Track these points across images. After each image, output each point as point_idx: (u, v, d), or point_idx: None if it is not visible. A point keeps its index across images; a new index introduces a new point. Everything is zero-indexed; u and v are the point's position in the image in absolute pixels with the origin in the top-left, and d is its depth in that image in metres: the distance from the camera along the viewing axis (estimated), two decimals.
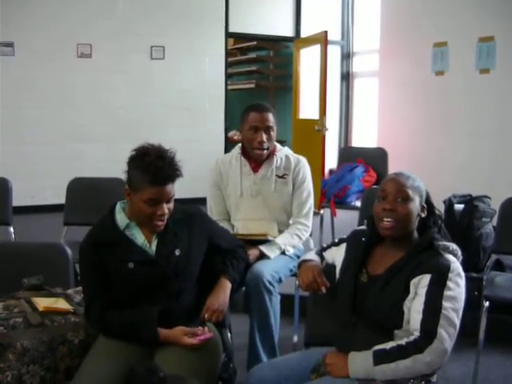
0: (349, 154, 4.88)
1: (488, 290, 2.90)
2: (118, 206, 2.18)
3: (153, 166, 1.98)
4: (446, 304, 1.78)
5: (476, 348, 2.89)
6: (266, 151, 2.90)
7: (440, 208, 3.59)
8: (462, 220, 3.47)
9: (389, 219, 1.90)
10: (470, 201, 3.51)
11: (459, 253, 1.93)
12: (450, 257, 1.87)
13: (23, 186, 5.60)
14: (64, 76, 6.43)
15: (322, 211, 4.53)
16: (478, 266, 3.40)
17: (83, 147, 6.51)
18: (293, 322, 3.19)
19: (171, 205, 2.08)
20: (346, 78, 7.58)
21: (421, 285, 1.82)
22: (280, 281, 2.75)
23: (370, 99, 7.14)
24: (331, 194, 4.42)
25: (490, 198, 3.59)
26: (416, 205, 1.93)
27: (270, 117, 2.89)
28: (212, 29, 7.03)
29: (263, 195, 2.95)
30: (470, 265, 3.43)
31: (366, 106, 7.36)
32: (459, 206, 3.55)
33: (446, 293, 1.79)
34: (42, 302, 2.14)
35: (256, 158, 2.93)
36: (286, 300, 3.01)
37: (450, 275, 1.81)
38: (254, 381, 2.00)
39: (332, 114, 7.37)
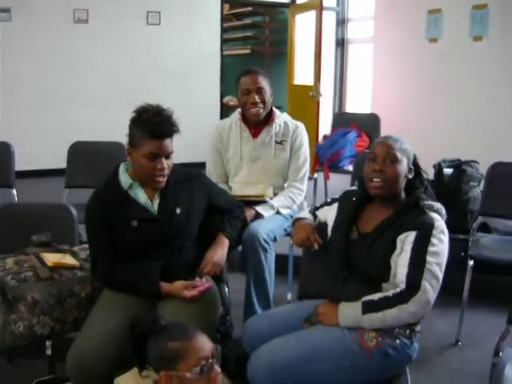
0: (342, 120, 4.97)
1: (472, 250, 3.04)
2: (122, 167, 2.29)
3: (151, 121, 2.11)
4: (429, 259, 1.91)
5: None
6: (261, 110, 2.97)
7: (429, 172, 3.73)
8: (450, 184, 3.58)
9: (378, 179, 2.01)
10: (458, 165, 3.62)
11: (443, 211, 2.05)
12: (435, 215, 1.99)
13: (22, 151, 5.66)
14: (61, 41, 6.44)
15: (315, 175, 4.63)
16: (465, 228, 3.51)
17: (80, 112, 6.55)
18: (287, 281, 3.34)
19: (170, 161, 2.19)
20: (341, 44, 7.61)
21: (407, 241, 1.94)
22: (275, 239, 2.86)
23: (365, 65, 7.18)
24: (325, 159, 4.52)
25: (478, 162, 3.70)
26: (404, 166, 2.04)
27: (260, 79, 2.97)
28: None
29: (262, 160, 3.05)
30: (458, 227, 3.56)
31: (360, 72, 7.41)
32: (448, 171, 3.66)
33: (430, 248, 1.92)
34: (51, 258, 2.27)
35: (254, 120, 3.00)
36: (281, 259, 3.14)
37: (433, 232, 1.94)
38: (250, 331, 2.14)
39: (327, 79, 7.42)
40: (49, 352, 2.36)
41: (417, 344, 2.01)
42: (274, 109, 3.09)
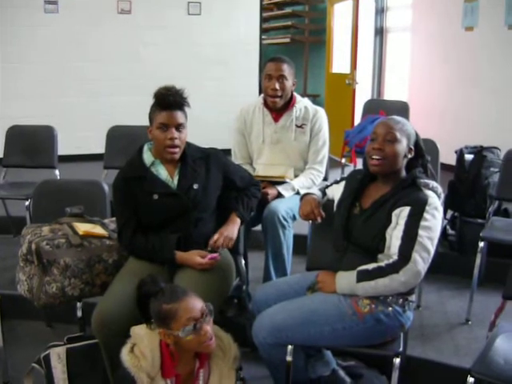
0: (372, 107, 5.02)
1: (485, 232, 3.10)
2: (145, 147, 2.52)
3: (160, 94, 2.37)
4: (421, 232, 2.04)
5: (477, 288, 3.14)
6: (278, 99, 3.11)
7: (452, 158, 3.81)
8: (470, 169, 3.65)
9: (377, 157, 2.15)
10: (479, 151, 3.69)
11: (439, 190, 2.18)
12: (429, 192, 2.12)
13: (69, 136, 5.97)
14: (105, 32, 6.74)
15: (343, 160, 4.75)
16: (484, 213, 3.57)
17: (123, 100, 6.80)
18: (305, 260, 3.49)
19: (183, 135, 2.40)
20: (380, 32, 7.63)
21: (401, 216, 2.08)
22: (294, 218, 3.00)
23: (403, 54, 7.20)
24: (353, 144, 4.61)
25: (499, 149, 3.75)
26: (403, 146, 2.17)
27: (284, 66, 3.09)
28: None
29: (283, 143, 3.20)
30: (477, 212, 3.64)
31: (399, 61, 7.43)
32: (470, 157, 3.73)
33: (423, 223, 2.05)
34: (82, 227, 2.52)
35: (271, 106, 3.16)
36: (301, 240, 3.31)
37: (427, 208, 2.07)
38: (259, 296, 2.35)
39: (366, 68, 7.48)
40: (79, 314, 2.62)
41: (410, 313, 2.16)
42: (294, 94, 3.22)
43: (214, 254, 2.37)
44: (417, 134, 2.26)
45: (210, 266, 2.36)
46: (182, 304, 1.85)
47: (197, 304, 1.87)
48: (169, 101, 2.35)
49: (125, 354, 1.90)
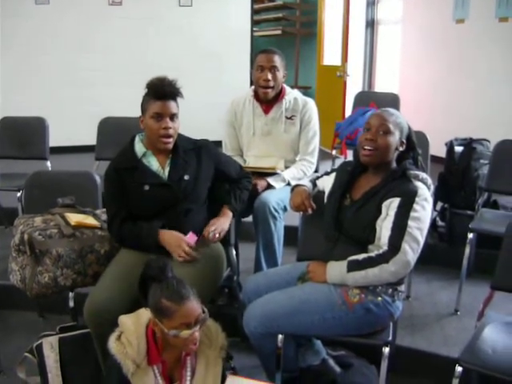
0: (363, 99, 5.05)
1: (474, 224, 3.15)
2: (137, 138, 2.53)
3: (154, 85, 2.38)
4: (411, 223, 2.06)
5: (466, 279, 3.18)
6: (270, 90, 3.13)
7: (443, 150, 3.83)
8: (460, 161, 3.68)
9: (369, 147, 2.17)
10: (469, 143, 3.71)
11: (429, 181, 2.20)
12: (419, 184, 2.14)
13: (61, 128, 5.92)
14: (96, 23, 6.69)
15: (333, 152, 4.78)
16: (474, 204, 3.60)
17: (115, 92, 6.75)
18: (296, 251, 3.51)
19: (176, 125, 2.42)
20: (371, 24, 7.63)
21: (391, 207, 2.10)
22: (285, 209, 3.01)
23: (394, 46, 7.22)
24: (344, 136, 4.63)
25: (489, 141, 3.78)
26: (395, 138, 2.19)
27: (276, 58, 3.11)
28: None
29: (273, 135, 3.22)
30: (467, 203, 3.67)
31: (390, 53, 7.44)
32: (459, 149, 3.75)
33: (412, 214, 2.07)
34: (74, 218, 2.53)
35: (263, 97, 3.17)
36: (293, 231, 3.32)
37: (416, 199, 2.09)
38: (250, 286, 2.37)
39: (357, 60, 7.48)
40: (71, 304, 2.63)
41: (400, 302, 2.19)
42: (284, 86, 3.23)
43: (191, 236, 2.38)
44: (409, 128, 2.28)
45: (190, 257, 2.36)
46: (182, 308, 1.83)
47: (195, 311, 1.85)
48: (163, 91, 2.37)
49: (112, 342, 1.92)
